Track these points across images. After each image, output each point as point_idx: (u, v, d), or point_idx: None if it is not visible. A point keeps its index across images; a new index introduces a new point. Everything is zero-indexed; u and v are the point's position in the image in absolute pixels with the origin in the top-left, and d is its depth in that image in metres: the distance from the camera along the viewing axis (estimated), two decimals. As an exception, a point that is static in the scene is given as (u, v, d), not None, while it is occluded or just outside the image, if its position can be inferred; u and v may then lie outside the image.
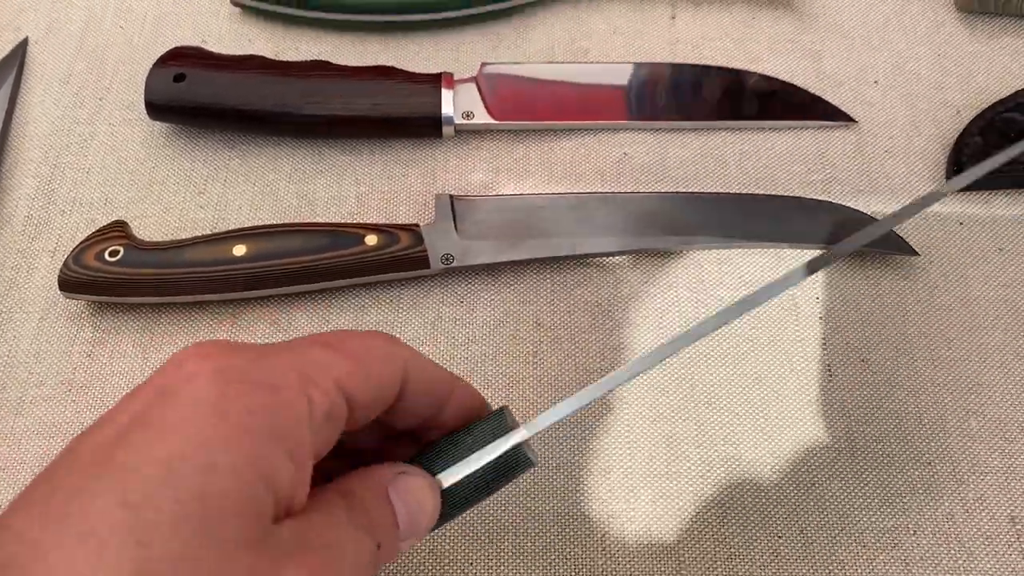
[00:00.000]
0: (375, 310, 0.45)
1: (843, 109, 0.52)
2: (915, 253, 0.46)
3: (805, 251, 0.47)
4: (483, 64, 0.52)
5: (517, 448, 0.27)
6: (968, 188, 0.49)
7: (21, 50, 0.55)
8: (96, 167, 0.50)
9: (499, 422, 0.28)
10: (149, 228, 0.48)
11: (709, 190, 0.49)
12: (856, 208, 0.48)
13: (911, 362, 0.44)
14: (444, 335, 0.45)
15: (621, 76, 0.53)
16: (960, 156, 0.50)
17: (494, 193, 0.49)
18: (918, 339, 0.44)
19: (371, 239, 0.44)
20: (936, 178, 0.50)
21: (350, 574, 0.23)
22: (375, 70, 0.51)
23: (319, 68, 0.50)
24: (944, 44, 0.55)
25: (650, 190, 0.49)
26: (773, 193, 0.49)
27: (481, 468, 0.27)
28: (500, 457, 0.27)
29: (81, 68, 0.54)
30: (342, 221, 0.48)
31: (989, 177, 0.47)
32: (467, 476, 0.27)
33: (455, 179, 0.50)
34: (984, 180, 0.47)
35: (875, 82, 0.53)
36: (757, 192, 0.49)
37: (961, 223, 0.48)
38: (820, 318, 0.45)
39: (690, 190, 0.49)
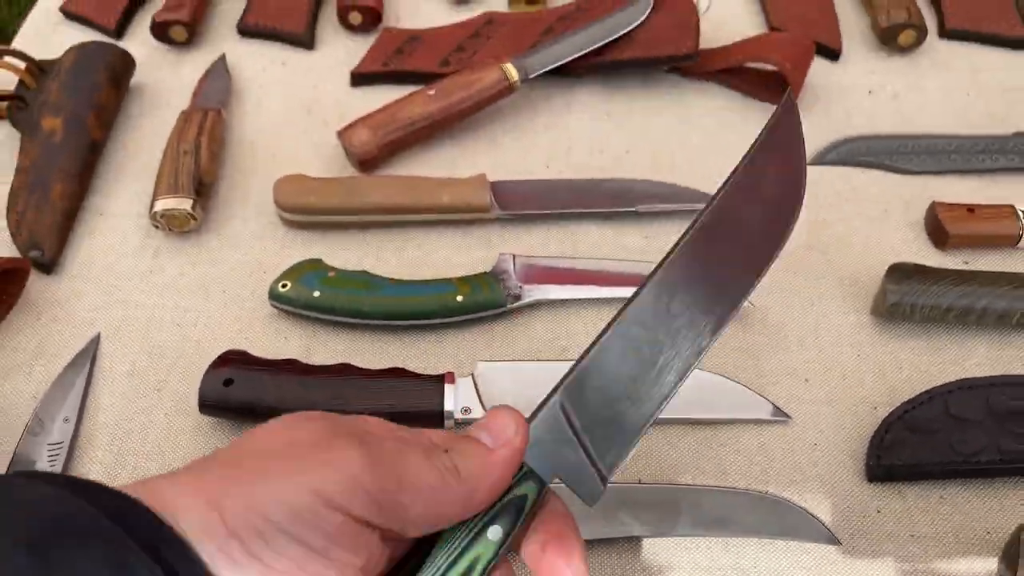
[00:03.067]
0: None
1: (778, 405, 0.62)
2: (837, 542, 0.55)
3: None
4: (478, 363, 0.63)
5: None
6: (884, 481, 0.59)
7: (94, 345, 0.66)
8: (154, 453, 0.60)
9: None
10: (196, 512, 0.57)
11: (665, 478, 0.59)
12: (786, 498, 0.57)
13: (837, 644, 0.52)
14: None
15: (594, 374, 0.63)
16: (877, 451, 0.59)
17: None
18: (844, 620, 0.53)
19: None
20: (857, 470, 0.59)
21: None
22: (389, 372, 0.61)
23: (343, 371, 0.61)
24: (863, 345, 0.66)
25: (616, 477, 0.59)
26: (718, 484, 0.59)
27: None
28: None
29: (143, 363, 0.65)
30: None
31: (903, 469, 0.57)
32: None
33: (454, 466, 0.59)
34: (898, 473, 0.57)
35: (806, 380, 0.64)
36: (707, 483, 0.59)
37: (879, 511, 0.57)
38: (760, 600, 0.53)
39: (651, 479, 0.59)
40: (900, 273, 0.66)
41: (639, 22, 0.84)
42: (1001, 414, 0.60)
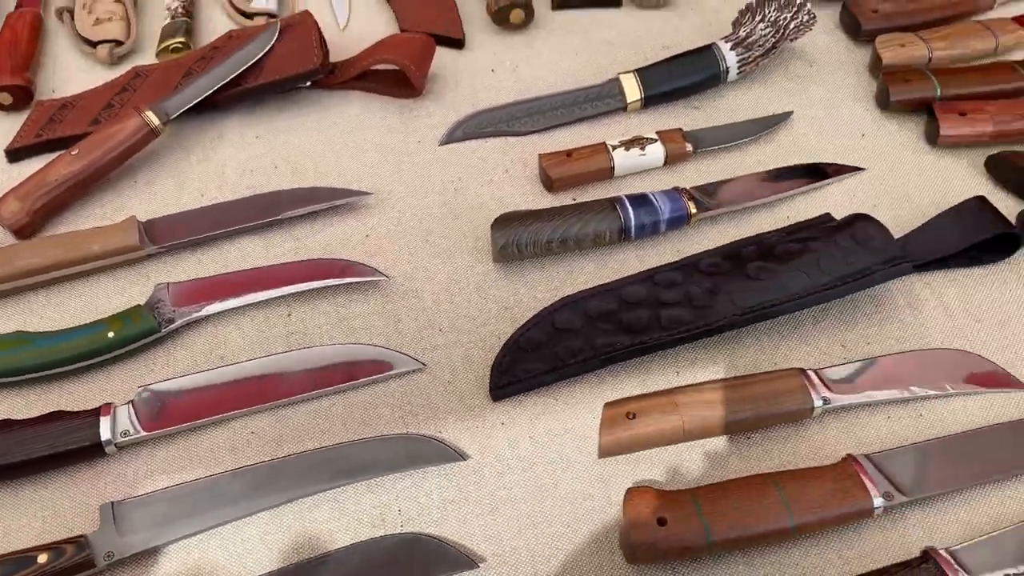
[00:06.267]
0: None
1: (417, 356, 0.70)
2: (465, 457, 0.63)
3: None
4: (139, 388, 0.67)
5: None
6: (506, 397, 0.67)
7: None
8: None
9: None
10: None
11: (322, 445, 0.65)
12: (427, 433, 0.65)
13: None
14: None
15: (249, 371, 0.69)
16: (497, 374, 0.68)
17: (152, 490, 0.63)
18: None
19: (42, 557, 0.57)
20: (486, 395, 0.68)
21: None
22: (47, 417, 0.65)
23: (2, 427, 0.64)
24: (488, 289, 0.75)
25: (275, 456, 0.65)
26: (369, 436, 0.66)
27: None
28: None
29: None
30: (25, 547, 0.60)
31: (519, 384, 0.66)
32: None
33: (122, 486, 0.64)
34: (516, 388, 0.66)
35: (440, 330, 0.72)
36: (357, 438, 0.65)
37: (503, 424, 0.66)
38: (402, 525, 0.61)
39: (307, 448, 0.65)
40: (503, 220, 0.75)
41: (267, 50, 0.90)
42: (595, 317, 0.70)
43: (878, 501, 0.58)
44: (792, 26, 0.90)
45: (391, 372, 0.69)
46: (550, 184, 0.82)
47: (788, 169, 0.83)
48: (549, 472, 0.63)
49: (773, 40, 0.89)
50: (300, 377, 0.69)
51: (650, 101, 0.90)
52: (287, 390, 0.68)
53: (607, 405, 0.64)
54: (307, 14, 0.95)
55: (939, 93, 0.85)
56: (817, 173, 0.82)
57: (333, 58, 0.95)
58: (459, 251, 0.78)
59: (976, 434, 0.63)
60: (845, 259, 0.69)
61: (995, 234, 0.72)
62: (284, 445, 0.66)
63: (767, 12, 0.90)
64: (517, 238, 0.74)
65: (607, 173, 0.83)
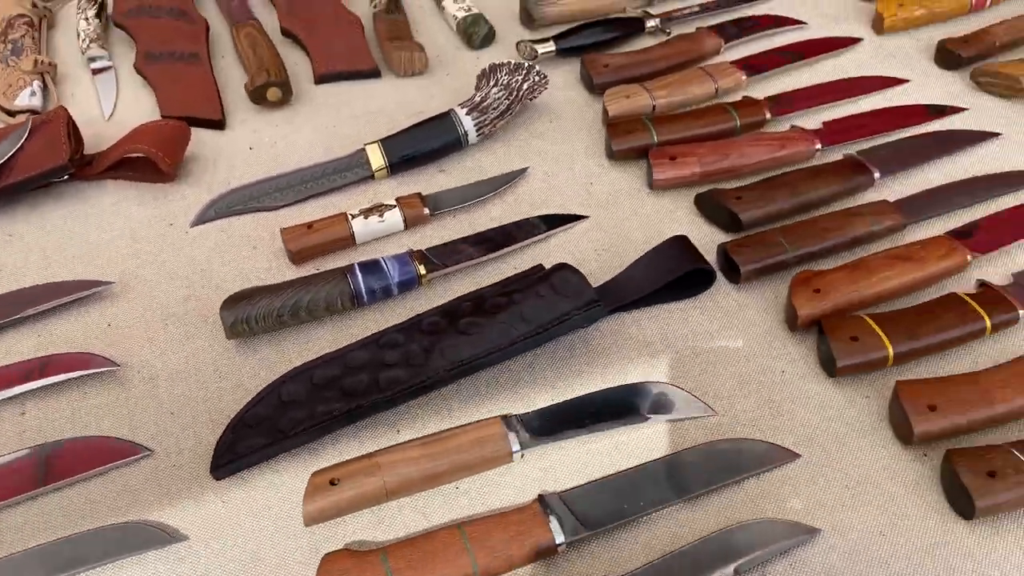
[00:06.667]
0: None
1: (146, 444, 0.72)
2: (177, 540, 0.65)
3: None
4: None
5: None
6: (229, 475, 0.69)
7: None
8: None
9: None
10: None
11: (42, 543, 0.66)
12: (145, 520, 0.66)
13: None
14: None
15: (-26, 476, 0.70)
16: (219, 452, 0.70)
17: None
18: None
19: None
20: (206, 472, 0.70)
21: None
22: None
23: None
24: (224, 368, 0.77)
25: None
26: (93, 527, 0.67)
27: None
28: None
29: None
30: None
31: (241, 461, 0.68)
32: None
33: None
34: (239, 465, 0.68)
35: (172, 414, 0.74)
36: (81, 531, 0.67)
37: (224, 503, 0.68)
38: None
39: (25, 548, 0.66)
40: (232, 300, 0.78)
41: (16, 149, 0.92)
42: (320, 386, 0.73)
43: (560, 537, 0.62)
44: (525, 88, 0.96)
45: (117, 462, 0.70)
46: (293, 257, 0.85)
47: (518, 223, 0.88)
48: (265, 545, 0.65)
49: (507, 103, 0.95)
50: (20, 476, 0.69)
51: (396, 168, 0.94)
52: (6, 491, 0.69)
53: (314, 474, 0.67)
54: (59, 109, 0.96)
55: (655, 140, 0.92)
56: (547, 224, 0.88)
57: (99, 147, 0.97)
58: (198, 333, 0.80)
59: (661, 461, 0.68)
60: (546, 308, 0.74)
61: (688, 271, 0.78)
62: (3, 547, 0.66)
63: (500, 76, 0.96)
64: (246, 315, 0.77)
65: (349, 241, 0.87)
